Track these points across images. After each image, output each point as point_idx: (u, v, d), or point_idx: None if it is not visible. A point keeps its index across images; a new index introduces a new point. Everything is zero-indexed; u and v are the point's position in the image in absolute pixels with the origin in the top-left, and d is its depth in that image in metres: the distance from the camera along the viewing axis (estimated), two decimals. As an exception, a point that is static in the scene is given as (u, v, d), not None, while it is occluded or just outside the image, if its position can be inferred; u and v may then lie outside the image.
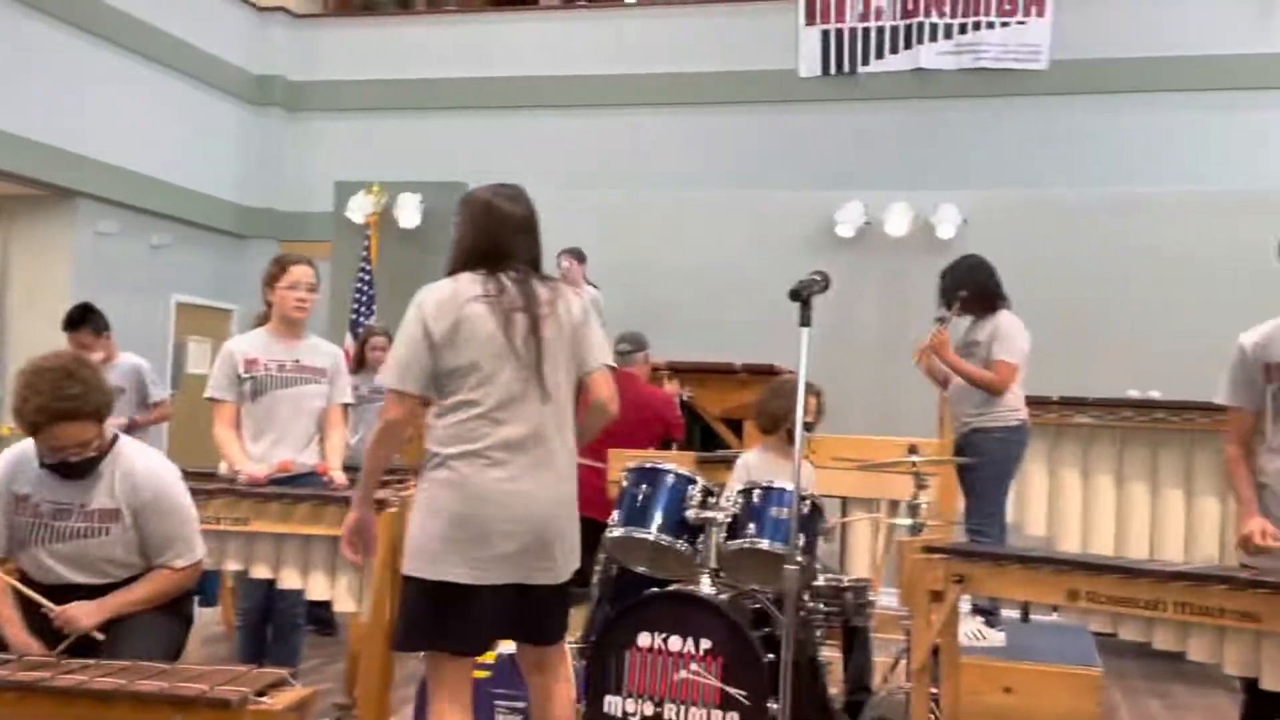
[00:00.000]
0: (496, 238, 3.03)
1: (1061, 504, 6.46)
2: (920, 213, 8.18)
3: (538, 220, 3.12)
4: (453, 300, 2.96)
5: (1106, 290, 7.80)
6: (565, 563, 3.07)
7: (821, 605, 4.38)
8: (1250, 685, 3.24)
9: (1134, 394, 6.50)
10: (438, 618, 2.94)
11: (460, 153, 9.31)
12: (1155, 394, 6.41)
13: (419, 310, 2.97)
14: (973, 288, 5.42)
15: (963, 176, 8.49)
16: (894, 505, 5.08)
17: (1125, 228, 7.87)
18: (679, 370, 6.85)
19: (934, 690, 3.96)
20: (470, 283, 2.99)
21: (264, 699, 2.71)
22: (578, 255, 7.91)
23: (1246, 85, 8.17)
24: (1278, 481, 3.35)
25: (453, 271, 3.04)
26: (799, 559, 4.06)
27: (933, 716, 4.01)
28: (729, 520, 4.13)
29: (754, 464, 4.65)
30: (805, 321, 2.82)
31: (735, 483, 4.50)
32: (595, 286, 7.82)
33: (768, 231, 8.46)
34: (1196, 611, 3.19)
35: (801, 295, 2.83)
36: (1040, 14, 8.55)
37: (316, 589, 3.90)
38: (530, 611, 3.03)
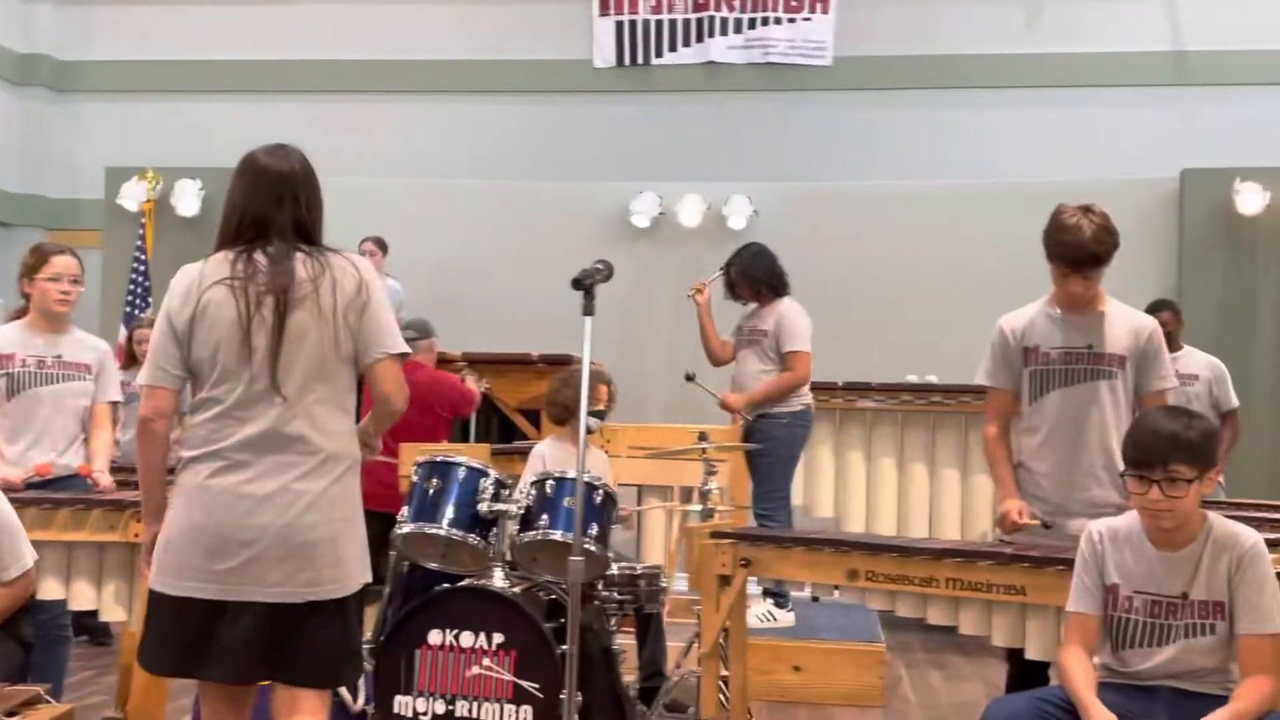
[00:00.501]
0: (256, 203, 2.70)
1: (848, 486, 6.70)
2: (713, 203, 8.31)
3: (311, 181, 2.77)
4: (197, 285, 2.67)
5: (888, 279, 8.09)
6: (330, 579, 2.65)
7: (615, 594, 4.39)
8: (1014, 655, 3.41)
9: (913, 379, 6.79)
10: (179, 638, 2.61)
11: (245, 138, 8.85)
12: (933, 378, 6.71)
13: (167, 298, 2.72)
14: (756, 275, 5.58)
15: (754, 168, 8.66)
16: (688, 492, 5.16)
17: (907, 219, 8.18)
18: (476, 361, 6.77)
19: (726, 673, 4.04)
20: (219, 263, 2.68)
21: (14, 719, 2.53)
22: (381, 245, 7.73)
23: (1017, 83, 8.60)
24: (1033, 460, 3.53)
25: (218, 247, 2.73)
26: (590, 549, 4.09)
27: (722, 698, 4.08)
28: (522, 512, 4.09)
29: (547, 454, 4.63)
30: (589, 311, 2.81)
31: (529, 474, 4.48)
32: (395, 280, 7.67)
33: (565, 221, 8.43)
34: (966, 587, 3.33)
35: (584, 284, 2.81)
36: (824, 11, 8.79)
37: (81, 599, 3.68)
38: (283, 639, 2.62)
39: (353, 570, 2.72)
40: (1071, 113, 8.47)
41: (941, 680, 5.70)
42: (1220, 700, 2.67)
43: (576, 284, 2.83)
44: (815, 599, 6.43)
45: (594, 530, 4.11)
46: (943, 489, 6.53)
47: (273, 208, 2.71)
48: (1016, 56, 8.62)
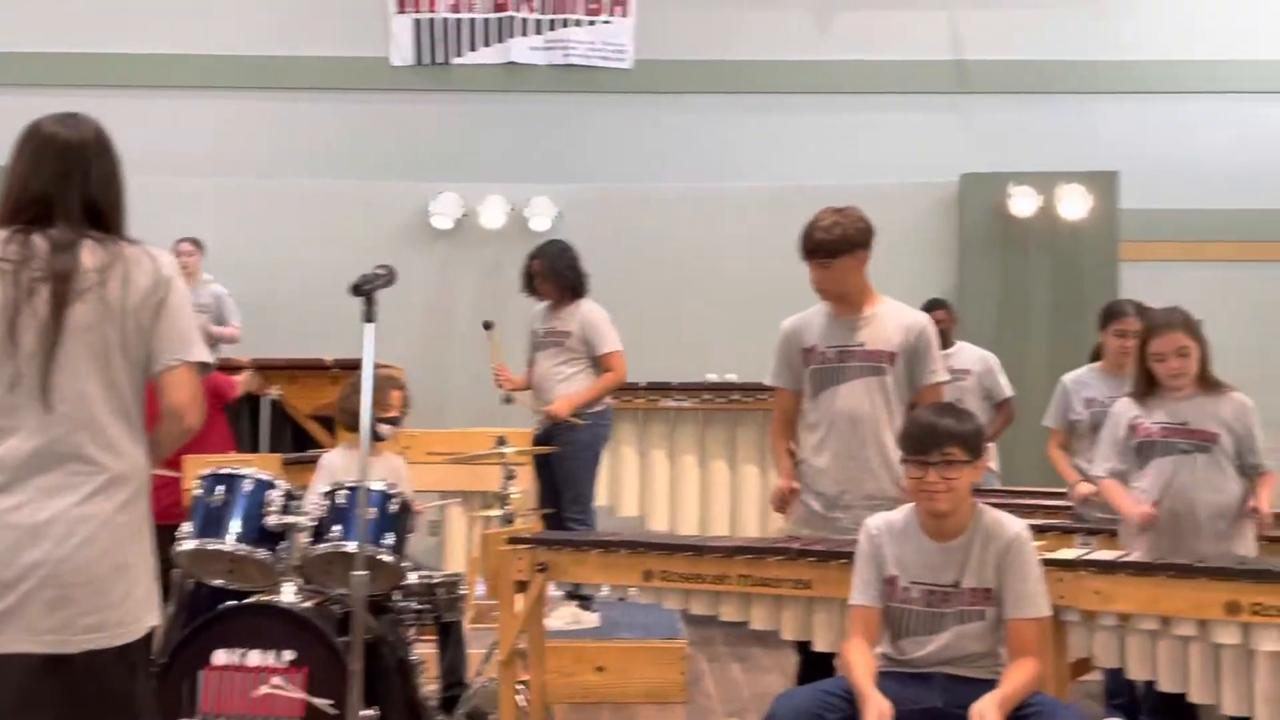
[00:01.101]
0: (39, 177, 2.33)
1: (652, 485, 6.77)
2: (516, 205, 8.27)
3: (106, 157, 2.41)
4: None
5: (689, 279, 8.22)
6: (114, 622, 2.28)
7: (413, 603, 4.32)
8: (804, 647, 3.50)
9: (713, 378, 6.90)
10: None
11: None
12: (732, 377, 6.84)
13: None
14: (561, 271, 5.56)
15: (556, 170, 8.65)
16: (490, 498, 5.11)
17: (706, 221, 8.32)
18: (266, 367, 6.53)
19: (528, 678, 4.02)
20: None
21: None
22: (197, 245, 7.40)
23: (807, 89, 8.85)
24: (813, 456, 3.65)
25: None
26: (383, 559, 4.01)
27: (523, 703, 4.06)
28: (314, 524, 3.98)
29: (338, 463, 4.52)
30: (369, 317, 2.74)
31: (319, 484, 4.36)
32: (219, 285, 7.38)
33: (363, 222, 8.24)
34: (757, 583, 3.41)
35: (363, 290, 2.74)
36: (624, 14, 8.86)
37: None
38: (71, 693, 2.25)
39: (141, 612, 2.34)
40: (858, 118, 8.77)
41: (742, 673, 5.81)
42: (990, 684, 2.80)
43: (356, 290, 2.75)
44: (621, 598, 6.47)
45: (389, 539, 4.03)
46: (743, 486, 6.67)
47: (58, 183, 2.33)
48: (807, 63, 8.87)
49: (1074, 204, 7.88)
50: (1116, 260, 7.98)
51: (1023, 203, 7.91)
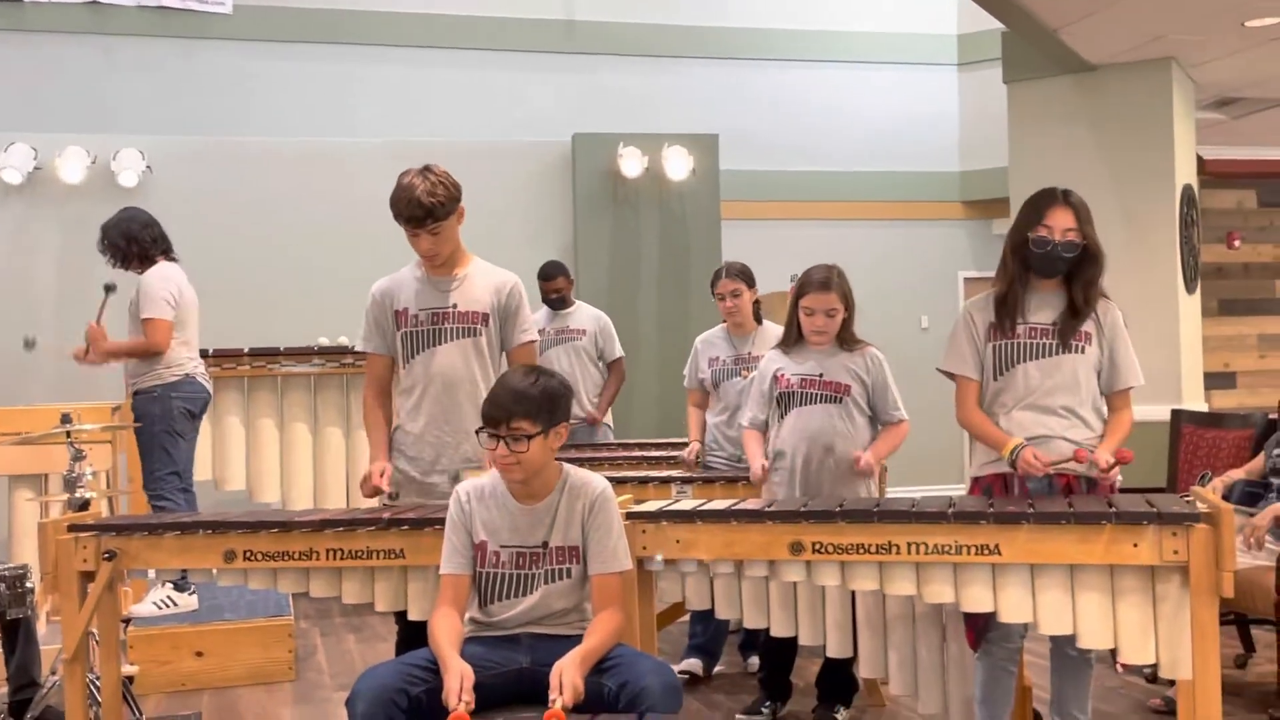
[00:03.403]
0: None
1: (260, 456, 6.46)
2: (100, 157, 7.58)
3: None
4: None
5: (294, 238, 7.88)
6: None
7: (-31, 602, 3.88)
8: (401, 617, 3.42)
9: (324, 341, 6.66)
10: None
11: None
12: (344, 340, 6.62)
13: None
14: (116, 243, 5.16)
15: (146, 120, 8.03)
16: (60, 481, 4.67)
17: (310, 176, 7.98)
18: None
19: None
20: None
21: None
22: None
23: (423, 43, 8.66)
24: (408, 421, 3.56)
25: None
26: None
27: (95, 698, 3.74)
28: None
29: None
30: None
31: None
32: None
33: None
34: (348, 556, 3.28)
35: None
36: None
37: None
38: None
39: None
40: (474, 75, 8.72)
41: (356, 644, 5.68)
42: (576, 639, 2.83)
43: None
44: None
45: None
46: (358, 451, 6.48)
47: None
48: (425, 16, 8.72)
49: (678, 164, 8.18)
50: (719, 219, 8.38)
51: (631, 163, 8.12)
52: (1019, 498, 3.33)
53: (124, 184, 7.47)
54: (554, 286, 6.21)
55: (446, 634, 2.79)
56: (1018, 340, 3.39)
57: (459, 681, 2.62)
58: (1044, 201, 3.38)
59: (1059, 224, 3.34)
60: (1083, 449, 3.32)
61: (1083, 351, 3.39)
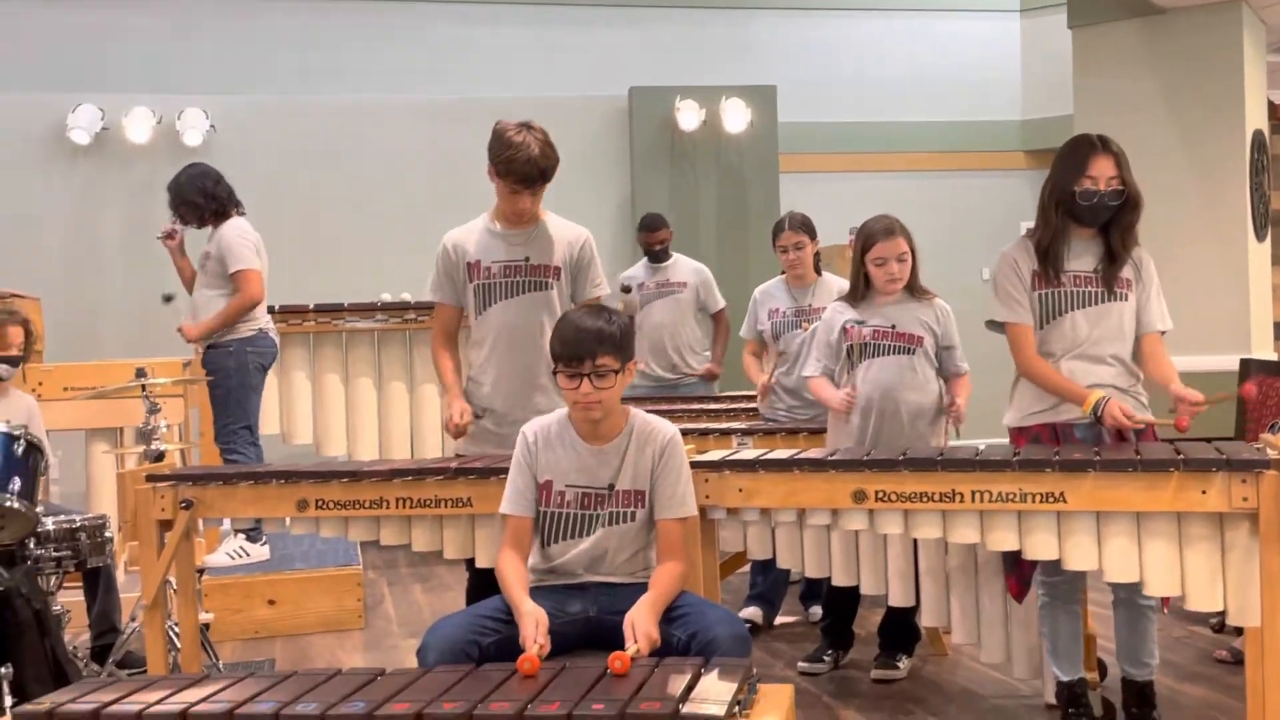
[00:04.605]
0: None
1: (326, 410, 6.55)
2: (165, 117, 7.69)
3: None
4: None
5: (356, 195, 7.96)
6: None
7: (51, 550, 4.02)
8: (471, 564, 3.49)
9: (387, 297, 6.72)
10: None
11: None
12: (407, 296, 6.68)
13: None
14: (190, 198, 5.24)
15: (209, 80, 8.12)
16: (136, 433, 4.80)
17: (374, 133, 8.05)
18: None
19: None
20: None
21: None
22: None
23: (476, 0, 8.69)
24: (480, 373, 3.62)
25: None
26: (11, 505, 3.69)
27: (176, 643, 3.86)
28: (-77, 473, 3.60)
29: (-48, 406, 4.10)
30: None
31: (-71, 428, 3.95)
32: None
33: (-11, 138, 7.48)
34: (417, 505, 3.35)
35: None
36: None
37: None
38: None
39: None
40: (531, 31, 8.69)
41: (424, 593, 5.78)
42: (640, 587, 2.86)
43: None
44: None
45: (16, 485, 3.71)
46: (423, 407, 6.56)
47: None
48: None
49: (736, 117, 8.13)
50: (777, 172, 8.33)
51: (688, 116, 8.08)
52: (1081, 445, 3.31)
53: (189, 143, 7.58)
54: (658, 238, 6.14)
55: (513, 575, 2.83)
56: (1064, 289, 3.36)
57: (533, 627, 2.64)
58: (1084, 151, 3.34)
59: (1102, 173, 3.30)
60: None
61: (1126, 299, 3.37)
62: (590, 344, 2.85)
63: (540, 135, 3.47)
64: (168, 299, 5.05)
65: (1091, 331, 3.35)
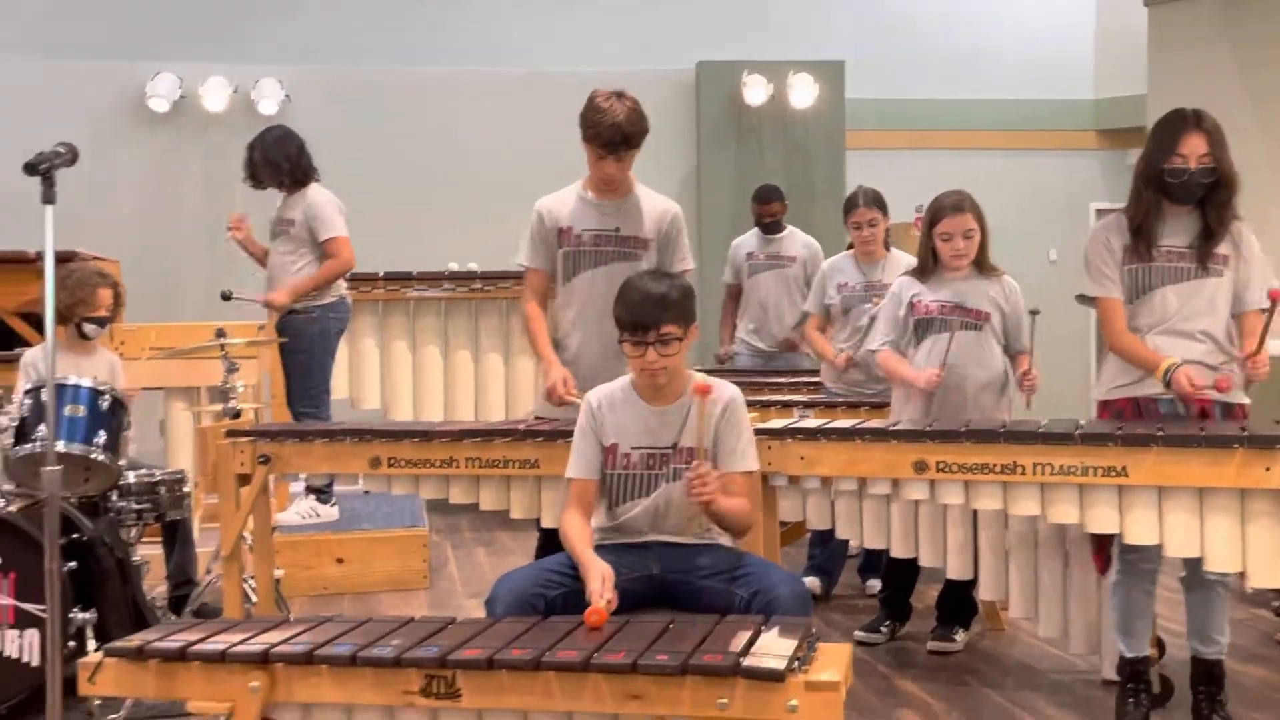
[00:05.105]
0: None
1: (394, 377, 6.68)
2: (240, 87, 7.85)
3: None
4: None
5: (426, 166, 8.07)
6: None
7: (132, 503, 4.17)
8: (540, 524, 3.57)
9: (454, 266, 6.83)
10: None
11: None
12: (474, 266, 6.78)
13: None
14: (277, 161, 5.32)
15: (284, 50, 8.25)
16: (213, 392, 4.94)
17: (441, 106, 8.15)
18: (-43, 262, 6.02)
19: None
20: None
21: None
22: None
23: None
24: (566, 338, 3.67)
25: None
26: (96, 458, 3.84)
27: (251, 596, 4.00)
28: (15, 424, 3.76)
29: (42, 361, 4.24)
30: (49, 199, 2.54)
31: (23, 383, 4.11)
32: None
33: (74, 105, 7.65)
34: (485, 465, 3.44)
35: (39, 169, 2.53)
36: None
37: None
38: None
39: None
40: (598, 5, 8.71)
41: (487, 557, 5.90)
42: (705, 548, 2.93)
43: (31, 169, 2.55)
44: (367, 491, 6.42)
45: (101, 438, 3.86)
46: (487, 374, 6.67)
47: None
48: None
49: (803, 92, 8.12)
50: (843, 148, 8.31)
51: (755, 91, 8.09)
52: (1149, 421, 3.30)
53: (263, 112, 7.72)
54: (769, 210, 6.07)
55: (578, 533, 2.91)
56: (1155, 264, 3.34)
57: (600, 581, 2.70)
58: (1176, 128, 3.30)
59: (1193, 151, 3.26)
60: (1224, 377, 3.25)
61: (1220, 274, 3.33)
62: (655, 313, 2.90)
63: (630, 103, 3.52)
64: (226, 297, 5.14)
65: (1182, 307, 3.31)
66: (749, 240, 6.13)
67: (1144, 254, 3.35)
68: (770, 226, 6.06)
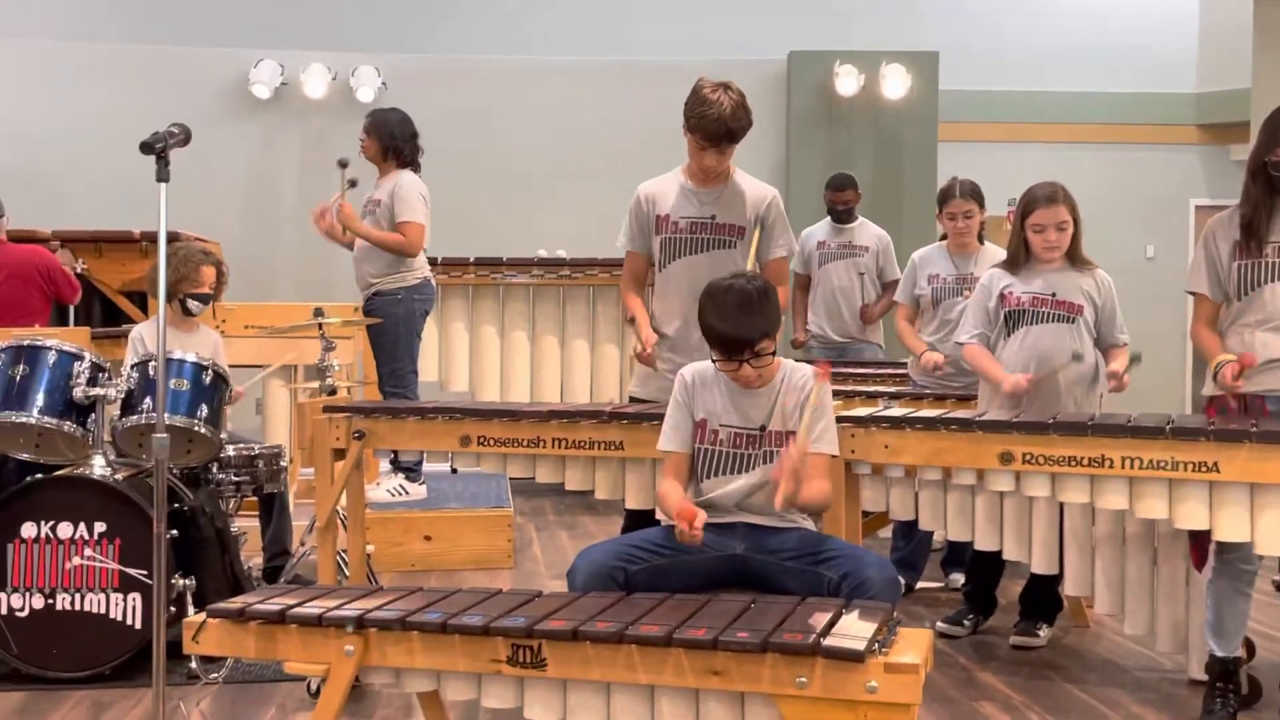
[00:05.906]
0: None
1: (482, 360, 6.80)
2: (339, 74, 8.03)
3: None
4: None
5: (517, 154, 8.17)
6: None
7: (231, 475, 4.32)
8: (623, 507, 3.62)
9: (543, 253, 6.92)
10: None
11: None
12: (562, 253, 6.87)
13: None
14: (396, 136, 5.42)
15: (381, 38, 8.42)
16: (310, 370, 5.07)
17: (534, 94, 8.25)
18: (70, 240, 6.25)
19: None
20: None
21: None
22: None
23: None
24: (663, 325, 3.68)
25: None
26: (199, 430, 3.98)
27: (344, 569, 4.11)
28: (122, 396, 3.91)
29: (149, 336, 4.41)
30: (163, 176, 2.65)
31: (130, 357, 4.27)
32: None
33: (178, 91, 7.90)
34: (571, 446, 3.50)
35: (154, 148, 2.65)
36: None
37: None
38: None
39: None
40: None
41: (569, 539, 5.97)
42: (790, 531, 2.96)
43: (146, 148, 2.66)
44: (454, 470, 6.55)
45: (203, 412, 4.00)
46: (573, 359, 6.76)
47: None
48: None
49: (895, 83, 8.06)
50: (935, 140, 8.23)
51: (846, 81, 8.05)
52: (1246, 417, 3.25)
53: (361, 99, 7.89)
54: (843, 198, 6.06)
55: (676, 492, 2.96)
56: (1265, 260, 3.27)
57: (688, 522, 2.77)
58: None
59: None
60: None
61: None
62: (749, 334, 2.92)
63: (736, 96, 3.52)
64: (344, 164, 5.24)
65: None
66: (820, 229, 6.11)
67: (1254, 250, 3.29)
68: (843, 215, 6.04)
